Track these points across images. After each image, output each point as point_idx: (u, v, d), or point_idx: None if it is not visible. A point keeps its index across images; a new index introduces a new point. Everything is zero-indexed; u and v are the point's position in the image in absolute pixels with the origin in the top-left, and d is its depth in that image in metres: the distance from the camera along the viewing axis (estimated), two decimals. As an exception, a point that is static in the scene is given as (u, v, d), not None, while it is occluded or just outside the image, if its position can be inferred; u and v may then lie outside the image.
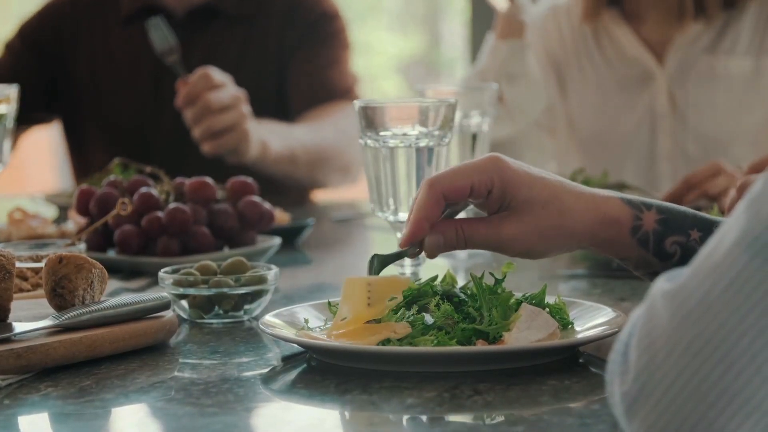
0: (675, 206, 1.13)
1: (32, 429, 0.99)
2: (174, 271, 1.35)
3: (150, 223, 1.63)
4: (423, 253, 1.39)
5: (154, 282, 1.54)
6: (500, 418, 0.96)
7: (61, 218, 2.17)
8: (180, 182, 1.70)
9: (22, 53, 2.68)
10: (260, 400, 1.04)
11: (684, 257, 1.10)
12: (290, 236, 1.90)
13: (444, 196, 1.11)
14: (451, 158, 1.40)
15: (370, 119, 1.36)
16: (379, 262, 1.15)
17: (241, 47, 2.64)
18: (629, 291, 1.47)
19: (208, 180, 1.68)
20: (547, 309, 1.15)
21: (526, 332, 1.09)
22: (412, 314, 1.12)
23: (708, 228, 1.11)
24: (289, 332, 1.15)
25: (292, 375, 1.11)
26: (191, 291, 1.33)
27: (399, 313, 1.13)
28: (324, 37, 2.65)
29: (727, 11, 2.24)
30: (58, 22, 2.69)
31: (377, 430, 0.98)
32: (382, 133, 1.36)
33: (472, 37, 3.58)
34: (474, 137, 1.77)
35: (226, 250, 1.67)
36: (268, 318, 1.18)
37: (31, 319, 1.16)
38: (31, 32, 2.70)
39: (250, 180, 1.73)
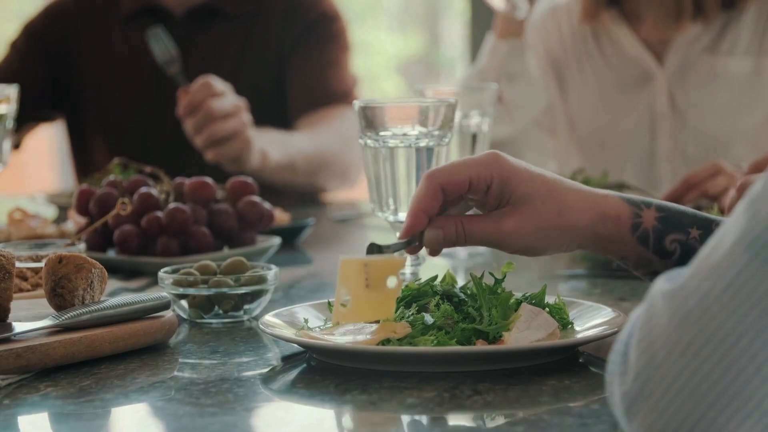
0: (674, 205, 1.13)
1: (32, 429, 0.99)
2: (174, 271, 1.35)
3: (150, 223, 1.63)
4: (423, 253, 1.40)
5: (154, 282, 1.54)
6: (500, 418, 0.96)
7: (61, 218, 2.17)
8: (180, 182, 1.70)
9: (29, 51, 2.69)
10: (260, 400, 1.04)
11: (684, 255, 1.10)
12: (290, 236, 1.90)
13: (443, 189, 1.11)
14: (450, 158, 1.40)
15: (370, 119, 1.35)
16: (377, 253, 1.15)
17: (240, 47, 2.64)
18: (629, 291, 1.47)
19: (208, 180, 1.68)
20: (547, 309, 1.15)
21: (526, 332, 1.09)
22: (412, 314, 1.12)
23: (707, 226, 1.11)
24: (288, 332, 1.15)
25: (292, 375, 1.11)
26: (191, 291, 1.33)
27: (398, 313, 1.13)
28: (324, 38, 2.65)
29: (726, 11, 2.24)
30: (62, 21, 2.70)
31: (377, 430, 0.98)
32: (381, 133, 1.36)
33: (472, 37, 3.59)
34: (474, 137, 1.77)
35: (226, 250, 1.67)
36: (268, 318, 1.18)
37: (31, 319, 1.16)
38: (37, 31, 2.71)
39: (249, 180, 1.73)
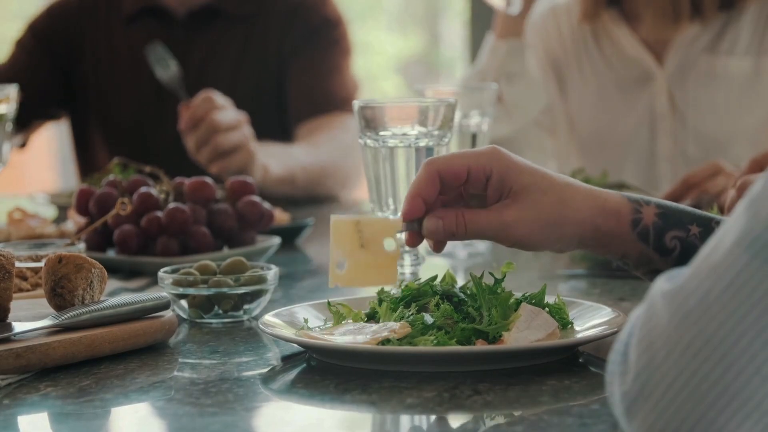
0: (674, 203, 1.13)
1: (32, 429, 0.99)
2: (173, 271, 1.35)
3: (149, 222, 1.63)
4: (423, 252, 1.39)
5: (154, 282, 1.54)
6: (500, 418, 0.96)
7: (61, 218, 2.17)
8: (179, 182, 1.70)
9: (35, 50, 2.69)
10: (260, 400, 1.04)
11: (684, 253, 1.10)
12: (290, 236, 1.90)
13: (440, 177, 1.11)
14: (450, 158, 1.40)
15: (370, 119, 1.35)
16: None
17: (241, 47, 2.64)
18: (629, 291, 1.47)
19: (208, 180, 1.68)
20: (547, 309, 1.15)
21: (526, 332, 1.09)
22: (412, 314, 1.12)
23: (707, 224, 1.11)
24: (288, 332, 1.15)
25: (292, 375, 1.11)
26: (191, 291, 1.32)
27: (398, 313, 1.13)
28: (326, 44, 2.65)
29: (724, 12, 2.24)
30: (65, 20, 2.70)
31: (377, 430, 0.98)
32: (381, 133, 1.36)
33: (472, 37, 3.59)
34: (473, 137, 1.77)
35: (226, 250, 1.67)
36: (268, 318, 1.18)
37: (31, 319, 1.16)
38: (42, 29, 2.71)
39: (249, 180, 1.73)
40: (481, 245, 1.79)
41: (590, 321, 1.17)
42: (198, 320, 1.34)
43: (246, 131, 2.25)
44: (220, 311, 1.33)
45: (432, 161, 1.12)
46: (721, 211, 1.53)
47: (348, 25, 2.71)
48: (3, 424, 0.97)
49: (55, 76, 2.69)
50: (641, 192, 1.84)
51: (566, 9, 2.36)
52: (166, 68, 2.32)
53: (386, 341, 1.08)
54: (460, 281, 1.19)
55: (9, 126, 1.91)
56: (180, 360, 1.18)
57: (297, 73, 2.62)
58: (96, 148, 2.72)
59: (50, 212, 2.30)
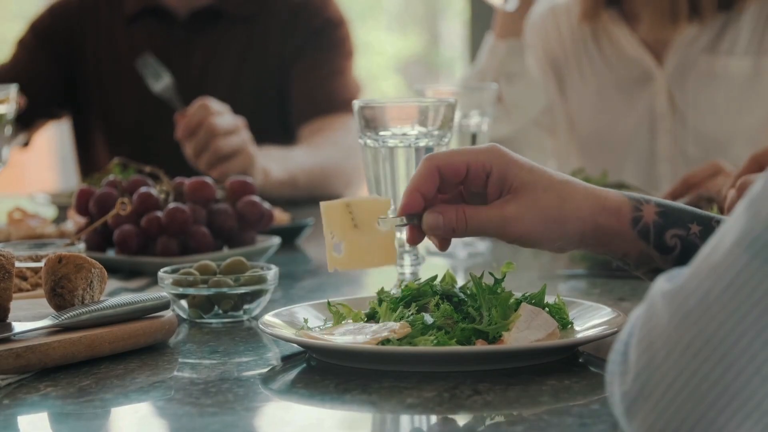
0: (673, 202, 1.13)
1: (32, 429, 0.99)
2: (173, 271, 1.35)
3: (149, 222, 1.63)
4: (423, 252, 1.39)
5: (154, 282, 1.54)
6: (500, 418, 0.96)
7: (61, 218, 2.17)
8: (179, 182, 1.70)
9: (37, 49, 2.69)
10: (260, 400, 1.04)
11: (684, 251, 1.10)
12: (290, 236, 1.90)
13: (439, 172, 1.11)
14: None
15: (370, 119, 1.35)
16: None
17: (242, 48, 2.64)
18: (629, 291, 1.47)
19: (208, 180, 1.68)
20: (547, 309, 1.15)
21: (526, 332, 1.09)
22: (412, 314, 1.12)
23: (707, 223, 1.11)
24: (288, 332, 1.15)
25: (292, 375, 1.11)
26: (191, 291, 1.32)
27: (398, 313, 1.13)
28: (328, 45, 2.65)
29: (723, 12, 2.24)
30: (67, 20, 2.71)
31: (377, 430, 0.98)
32: (381, 133, 1.36)
33: (471, 37, 3.58)
34: (473, 137, 1.77)
35: (226, 250, 1.67)
36: (268, 318, 1.18)
37: (31, 319, 1.16)
38: (43, 29, 2.71)
39: (249, 180, 1.73)
40: (481, 245, 1.79)
41: (590, 321, 1.17)
42: (198, 320, 1.34)
43: (244, 135, 2.25)
44: (220, 311, 1.33)
45: (431, 157, 1.12)
46: (721, 211, 1.53)
47: (350, 26, 2.71)
48: (3, 424, 0.97)
49: (57, 75, 2.69)
50: (641, 192, 1.84)
51: (566, 9, 2.36)
52: (159, 79, 2.33)
53: (386, 341, 1.08)
54: (460, 281, 1.19)
55: (9, 127, 1.91)
56: (180, 360, 1.18)
57: (299, 74, 2.63)
58: (97, 148, 2.72)
59: (50, 212, 2.30)
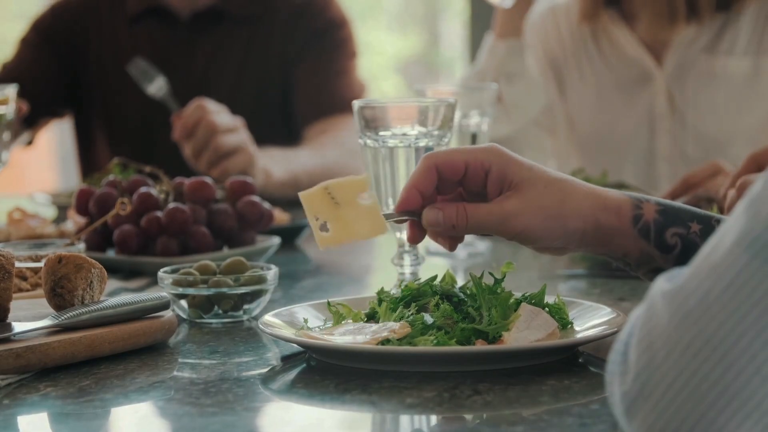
0: (673, 202, 1.13)
1: (32, 429, 0.99)
2: (173, 271, 1.35)
3: (149, 222, 1.63)
4: (423, 252, 1.39)
5: (154, 282, 1.54)
6: (500, 418, 0.96)
7: (61, 218, 2.17)
8: (179, 182, 1.70)
9: (39, 47, 2.70)
10: (260, 400, 1.04)
11: (684, 250, 1.10)
12: (290, 236, 1.90)
13: (438, 170, 1.11)
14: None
15: (370, 119, 1.36)
16: None
17: (245, 49, 2.64)
18: (628, 291, 1.47)
19: (208, 180, 1.68)
20: (547, 309, 1.15)
21: (526, 332, 1.09)
22: (412, 314, 1.12)
23: (707, 222, 1.11)
24: (288, 332, 1.15)
25: (292, 375, 1.11)
26: (190, 291, 1.32)
27: (398, 313, 1.13)
28: (331, 46, 2.65)
29: (721, 13, 2.24)
30: (69, 19, 2.71)
31: (377, 430, 0.98)
32: (381, 133, 1.36)
33: (471, 37, 3.59)
34: (473, 137, 1.77)
35: (226, 250, 1.67)
36: (268, 318, 1.18)
37: (31, 319, 1.16)
38: (46, 27, 2.72)
39: (249, 180, 1.73)
40: (481, 245, 1.79)
41: (590, 321, 1.17)
42: (198, 320, 1.34)
43: (244, 134, 2.24)
44: (220, 311, 1.33)
45: (430, 155, 1.12)
46: (721, 211, 1.53)
47: (353, 26, 2.71)
48: (3, 424, 0.97)
49: (59, 73, 2.69)
50: (641, 192, 1.84)
51: (565, 9, 2.36)
52: (153, 82, 2.33)
53: (386, 341, 1.08)
54: (460, 281, 1.19)
55: (9, 128, 1.91)
56: (180, 360, 1.18)
57: (303, 75, 2.63)
58: (99, 148, 2.72)
59: (50, 212, 2.30)
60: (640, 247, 1.11)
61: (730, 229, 0.76)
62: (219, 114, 2.22)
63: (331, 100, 2.59)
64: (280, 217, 1.94)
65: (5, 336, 1.11)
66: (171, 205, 1.64)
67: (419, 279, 1.21)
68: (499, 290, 1.13)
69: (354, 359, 1.09)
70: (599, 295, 1.46)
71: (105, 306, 1.17)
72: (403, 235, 1.37)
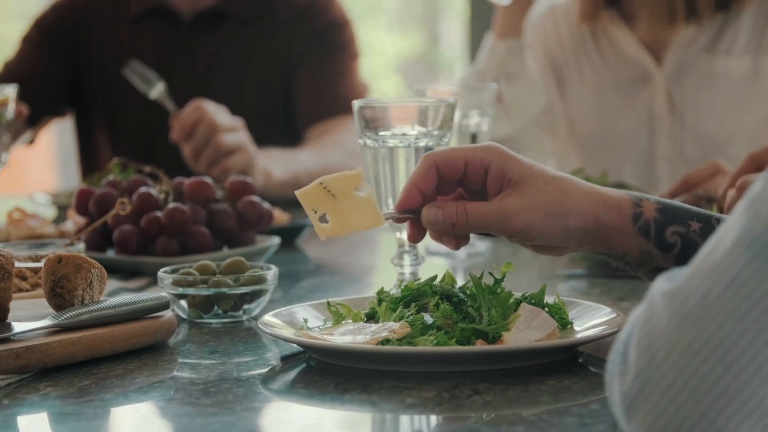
0: (673, 201, 1.13)
1: (31, 429, 0.99)
2: (173, 271, 1.35)
3: (149, 223, 1.63)
4: (423, 252, 1.39)
5: (153, 282, 1.54)
6: (500, 418, 0.96)
7: (61, 218, 2.17)
8: (179, 182, 1.70)
9: (41, 45, 2.70)
10: (259, 400, 1.04)
11: (684, 249, 1.10)
12: (289, 236, 1.90)
13: (438, 169, 1.11)
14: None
15: (370, 119, 1.36)
16: None
17: (247, 50, 2.64)
18: (628, 291, 1.47)
19: (207, 180, 1.68)
20: (547, 309, 1.15)
21: (526, 332, 1.09)
22: (411, 314, 1.12)
23: (707, 220, 1.11)
24: (288, 332, 1.15)
25: (292, 375, 1.11)
26: (190, 291, 1.32)
27: (398, 313, 1.13)
28: (333, 47, 2.65)
29: (720, 13, 2.24)
30: (71, 18, 2.71)
31: (377, 430, 0.98)
32: (381, 133, 1.36)
33: (471, 37, 3.59)
34: (473, 137, 1.77)
35: (225, 250, 1.67)
36: (268, 318, 1.18)
37: (30, 319, 1.16)
38: (48, 25, 2.72)
39: (249, 180, 1.73)
40: (481, 245, 1.79)
41: (590, 321, 1.17)
42: (198, 320, 1.34)
43: (244, 135, 2.25)
44: (220, 311, 1.33)
45: (429, 154, 1.12)
46: (721, 210, 1.53)
47: (354, 26, 2.71)
48: (3, 424, 0.97)
49: (61, 72, 2.70)
50: (641, 191, 1.84)
51: (565, 9, 2.36)
52: (150, 83, 2.33)
53: (386, 341, 1.08)
54: (460, 281, 1.19)
55: (8, 128, 1.91)
56: (180, 360, 1.18)
57: (304, 76, 2.63)
58: (100, 148, 2.73)
59: (50, 212, 2.30)
60: (639, 245, 1.11)
61: (730, 229, 0.76)
62: (219, 114, 2.23)
63: (332, 101, 2.59)
64: (280, 217, 1.94)
65: (5, 336, 1.11)
66: (171, 205, 1.64)
67: (419, 279, 1.21)
68: (498, 290, 1.13)
69: (354, 359, 1.09)
70: (599, 295, 1.46)
71: (105, 306, 1.17)
72: (403, 235, 1.37)
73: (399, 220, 1.15)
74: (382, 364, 1.08)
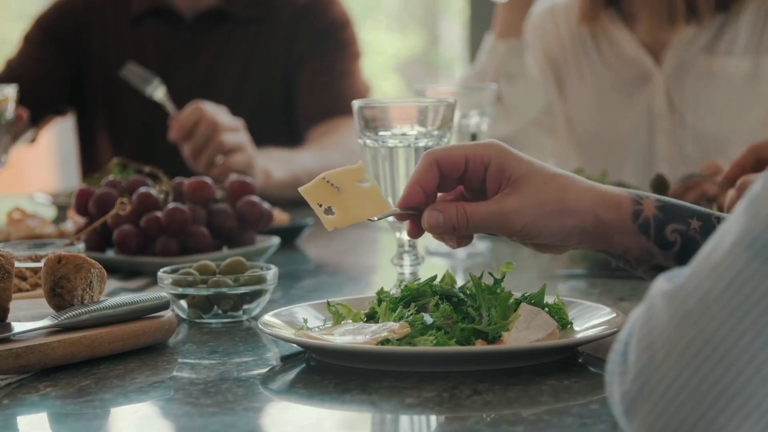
0: (673, 199, 1.13)
1: (31, 429, 0.99)
2: (173, 271, 1.35)
3: (149, 223, 1.63)
4: (422, 252, 1.40)
5: (153, 282, 1.54)
6: (500, 418, 0.96)
7: (60, 218, 2.17)
8: (179, 182, 1.70)
9: (43, 44, 2.70)
10: (259, 400, 1.04)
11: (684, 247, 1.10)
12: (289, 236, 1.90)
13: (438, 166, 1.11)
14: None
15: (369, 119, 1.36)
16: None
17: (248, 50, 2.64)
18: (628, 291, 1.47)
19: (207, 180, 1.68)
20: (546, 309, 1.15)
21: (525, 332, 1.09)
22: (411, 314, 1.12)
23: (707, 219, 1.11)
24: (288, 332, 1.15)
25: (291, 375, 1.11)
26: (190, 291, 1.32)
27: (398, 313, 1.13)
28: (335, 47, 2.65)
29: (720, 13, 2.24)
30: (73, 17, 2.71)
31: (377, 430, 0.98)
32: (381, 133, 1.36)
33: (471, 37, 3.59)
34: (473, 137, 1.77)
35: (225, 250, 1.67)
36: (267, 318, 1.18)
37: (30, 319, 1.16)
38: (50, 24, 2.72)
39: (249, 180, 1.73)
40: (481, 245, 1.79)
41: (590, 321, 1.17)
42: (197, 320, 1.34)
43: (244, 135, 2.25)
44: (220, 311, 1.33)
45: (430, 152, 1.12)
46: (720, 209, 1.54)
47: (356, 26, 2.71)
48: (3, 424, 0.97)
49: (63, 70, 2.70)
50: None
51: (565, 9, 2.36)
52: (150, 84, 2.33)
53: (386, 341, 1.08)
54: (460, 281, 1.19)
55: (8, 129, 1.91)
56: (179, 360, 1.18)
57: (307, 78, 2.63)
58: (101, 148, 2.73)
59: (50, 212, 2.30)
60: (639, 243, 1.11)
61: (730, 228, 0.76)
62: (219, 114, 2.23)
63: (334, 102, 2.59)
64: (280, 217, 1.94)
65: (5, 336, 1.11)
66: (171, 205, 1.64)
67: (419, 279, 1.21)
68: (498, 290, 1.13)
69: (354, 359, 1.09)
70: (599, 295, 1.46)
71: (105, 306, 1.17)
72: (403, 235, 1.37)
73: (401, 218, 1.15)
74: (381, 364, 1.08)
